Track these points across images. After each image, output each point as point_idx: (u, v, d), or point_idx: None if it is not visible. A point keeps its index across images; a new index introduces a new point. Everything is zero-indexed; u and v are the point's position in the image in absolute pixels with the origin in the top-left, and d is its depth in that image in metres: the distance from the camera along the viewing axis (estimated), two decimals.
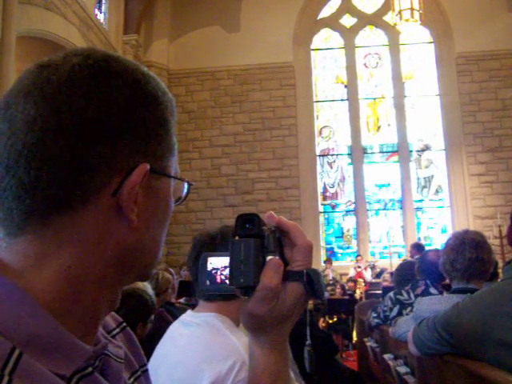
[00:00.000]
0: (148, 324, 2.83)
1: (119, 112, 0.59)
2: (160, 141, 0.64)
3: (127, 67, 0.63)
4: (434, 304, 2.62)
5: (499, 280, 2.85)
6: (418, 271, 3.83)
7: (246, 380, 1.34)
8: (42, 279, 0.57)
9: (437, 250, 4.23)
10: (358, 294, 10.03)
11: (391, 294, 3.97)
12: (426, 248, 7.18)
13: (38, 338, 0.54)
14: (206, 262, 0.74)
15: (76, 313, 0.59)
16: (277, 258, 0.71)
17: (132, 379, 0.73)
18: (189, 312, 1.68)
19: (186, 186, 0.73)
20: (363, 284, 10.57)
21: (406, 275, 4.26)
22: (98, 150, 0.58)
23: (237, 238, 0.70)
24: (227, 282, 0.71)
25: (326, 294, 9.14)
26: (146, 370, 0.79)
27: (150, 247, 0.66)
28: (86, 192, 0.58)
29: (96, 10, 11.00)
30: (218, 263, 0.73)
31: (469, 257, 2.57)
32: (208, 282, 0.73)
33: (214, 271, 0.73)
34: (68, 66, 0.60)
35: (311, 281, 0.71)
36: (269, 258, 0.70)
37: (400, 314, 3.75)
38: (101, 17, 11.27)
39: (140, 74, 0.64)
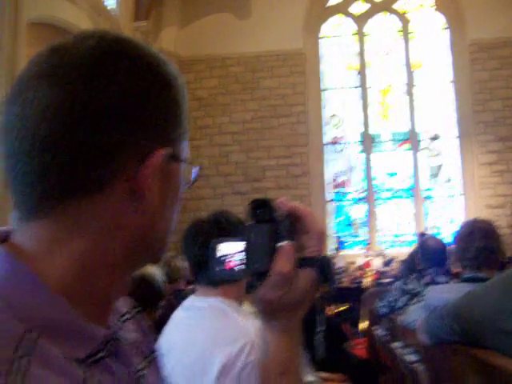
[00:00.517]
0: (157, 310, 2.85)
1: (134, 96, 0.59)
2: (174, 125, 0.64)
3: (140, 50, 0.63)
4: (444, 293, 2.62)
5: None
6: (421, 260, 3.81)
7: (257, 361, 1.35)
8: (56, 264, 0.57)
9: (435, 237, 4.21)
10: (366, 283, 10.03)
11: (398, 283, 3.97)
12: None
13: (51, 322, 0.54)
14: (215, 248, 0.74)
15: (89, 297, 0.59)
16: (290, 243, 0.71)
17: (143, 364, 0.74)
18: (192, 297, 1.69)
19: (194, 169, 0.73)
20: (372, 273, 10.56)
21: (415, 264, 4.25)
22: (114, 135, 0.57)
23: (250, 223, 0.70)
24: (236, 268, 0.71)
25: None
26: (158, 356, 0.80)
27: (163, 231, 0.66)
28: (102, 177, 0.57)
29: None
30: (228, 249, 0.73)
31: (478, 245, 2.56)
32: (218, 269, 0.73)
33: (223, 258, 0.73)
34: (81, 49, 0.59)
35: (324, 267, 0.71)
36: (281, 243, 0.70)
37: (408, 304, 3.74)
38: (110, 3, 11.23)
39: (153, 57, 0.63)
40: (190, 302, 1.67)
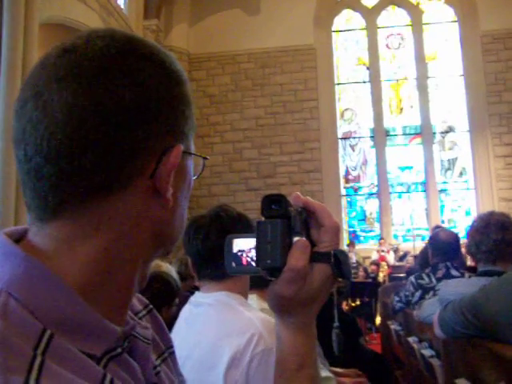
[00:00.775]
0: (173, 307, 2.86)
1: (152, 94, 0.60)
2: (187, 120, 0.65)
3: (152, 48, 0.64)
4: (460, 286, 2.60)
5: None
6: (433, 255, 3.78)
7: (265, 351, 1.36)
8: (76, 262, 0.58)
9: (446, 230, 4.17)
10: (381, 278, 10.00)
11: (412, 278, 3.93)
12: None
13: (68, 319, 0.55)
14: (231, 244, 0.74)
15: (107, 294, 0.60)
16: (304, 239, 0.70)
17: (159, 360, 0.74)
18: (198, 294, 1.69)
19: (202, 161, 0.74)
20: (386, 267, 10.53)
21: (428, 258, 4.22)
22: (137, 134, 0.58)
23: (263, 218, 0.70)
24: (253, 263, 0.71)
25: None
26: (173, 352, 0.80)
27: (179, 224, 0.68)
28: (127, 176, 0.58)
29: None
30: (244, 245, 0.73)
31: (494, 238, 2.53)
32: (234, 264, 0.73)
33: (239, 253, 0.73)
34: (95, 49, 0.59)
35: (338, 262, 0.71)
36: (296, 239, 0.70)
37: (422, 298, 3.72)
38: (121, 2, 11.27)
39: (163, 54, 0.64)
40: (196, 298, 1.68)
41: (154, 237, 0.63)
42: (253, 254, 0.71)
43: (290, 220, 0.70)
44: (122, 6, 11.23)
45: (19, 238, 0.60)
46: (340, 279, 0.73)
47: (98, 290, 0.59)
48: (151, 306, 0.80)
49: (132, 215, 0.60)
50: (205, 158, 0.74)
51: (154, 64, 0.62)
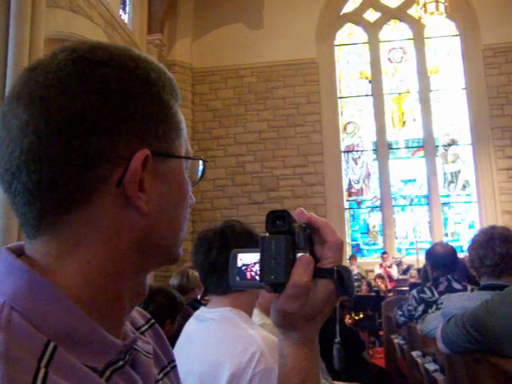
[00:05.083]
0: (176, 321, 2.86)
1: (110, 101, 0.59)
2: (160, 122, 0.63)
3: (114, 54, 0.62)
4: (463, 301, 2.59)
5: None
6: (433, 269, 3.76)
7: (266, 370, 1.36)
8: (66, 276, 0.58)
9: (442, 243, 4.16)
10: (384, 291, 9.94)
11: (414, 292, 3.91)
12: (453, 244, 7.03)
13: (70, 331, 0.55)
14: (235, 258, 0.75)
15: (100, 306, 0.60)
16: (307, 254, 0.71)
17: (161, 375, 0.75)
18: (202, 308, 1.70)
19: (200, 164, 0.73)
20: (386, 281, 10.51)
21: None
22: (95, 144, 0.57)
23: (267, 234, 0.71)
24: (257, 278, 0.72)
25: None
26: (175, 366, 0.81)
27: (167, 230, 0.66)
28: (91, 187, 0.58)
29: (120, 10, 11.10)
30: (248, 260, 0.74)
31: (499, 252, 2.53)
32: (238, 278, 0.74)
33: (244, 267, 0.74)
34: (54, 64, 0.60)
35: (341, 278, 0.71)
36: (299, 254, 0.71)
37: (425, 312, 3.71)
38: (125, 17, 11.37)
39: (128, 58, 0.63)
40: (201, 312, 1.68)
41: (138, 245, 0.62)
42: (257, 268, 0.72)
43: (293, 236, 0.71)
44: (126, 21, 11.33)
45: (21, 253, 0.61)
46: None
47: (90, 302, 0.59)
48: (153, 321, 0.80)
49: (108, 225, 0.60)
50: (204, 161, 0.72)
51: (112, 69, 0.60)
